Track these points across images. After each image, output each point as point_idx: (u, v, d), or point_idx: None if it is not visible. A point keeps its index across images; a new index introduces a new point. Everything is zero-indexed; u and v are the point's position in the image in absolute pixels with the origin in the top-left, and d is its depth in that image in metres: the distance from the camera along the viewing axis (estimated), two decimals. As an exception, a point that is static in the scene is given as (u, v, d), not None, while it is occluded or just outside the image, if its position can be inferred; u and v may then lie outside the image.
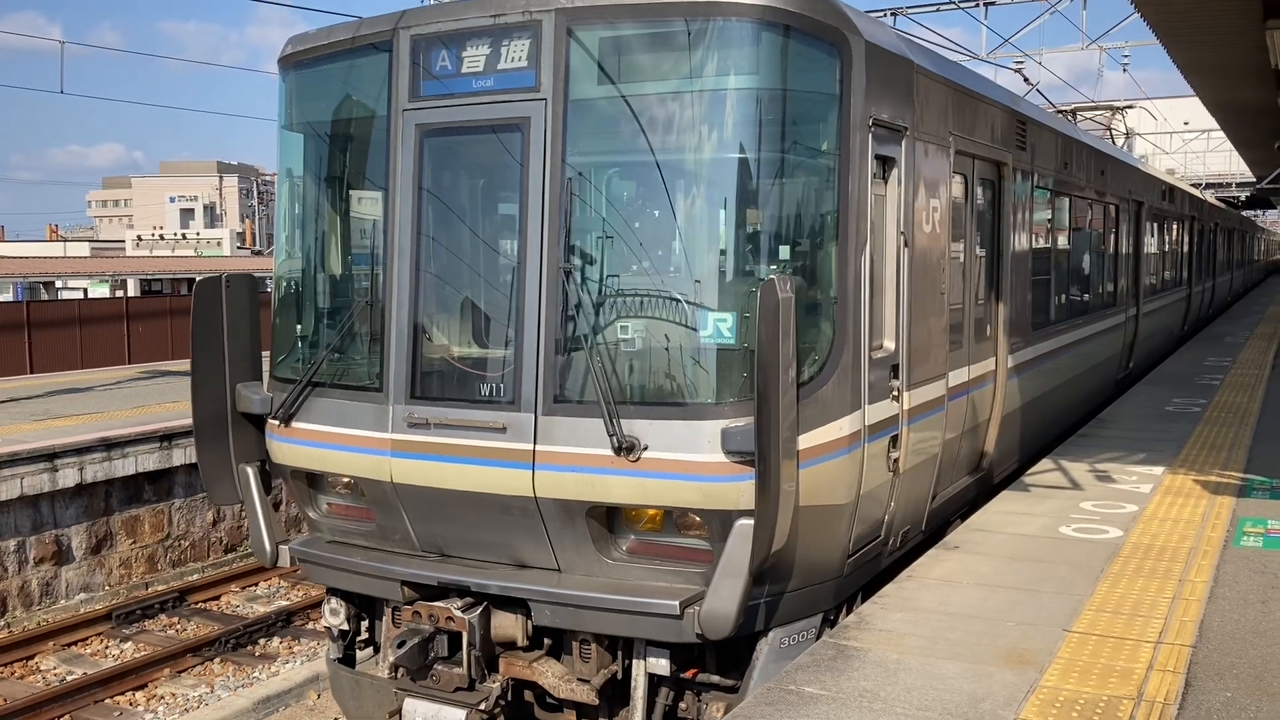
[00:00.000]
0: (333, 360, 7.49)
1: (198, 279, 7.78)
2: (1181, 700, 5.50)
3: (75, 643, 12.33)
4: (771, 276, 6.10)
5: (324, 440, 7.34)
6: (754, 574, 6.20)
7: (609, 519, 6.72)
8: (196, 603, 13.68)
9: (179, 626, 12.99)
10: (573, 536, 6.70)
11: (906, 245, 7.61)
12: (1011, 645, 6.25)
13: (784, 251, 6.76)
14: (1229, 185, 49.96)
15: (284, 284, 8.05)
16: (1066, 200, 13.20)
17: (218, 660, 11.85)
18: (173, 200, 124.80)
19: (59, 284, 50.07)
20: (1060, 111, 20.48)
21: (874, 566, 7.78)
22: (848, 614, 7.21)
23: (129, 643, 12.39)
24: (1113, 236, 16.31)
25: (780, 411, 5.94)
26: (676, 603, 6.36)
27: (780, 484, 6.00)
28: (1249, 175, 43.72)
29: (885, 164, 7.40)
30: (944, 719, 5.30)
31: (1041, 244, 11.85)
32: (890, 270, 7.47)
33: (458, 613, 6.87)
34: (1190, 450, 11.77)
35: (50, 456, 13.19)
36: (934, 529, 8.90)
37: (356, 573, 7.39)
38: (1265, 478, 10.37)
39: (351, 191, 7.74)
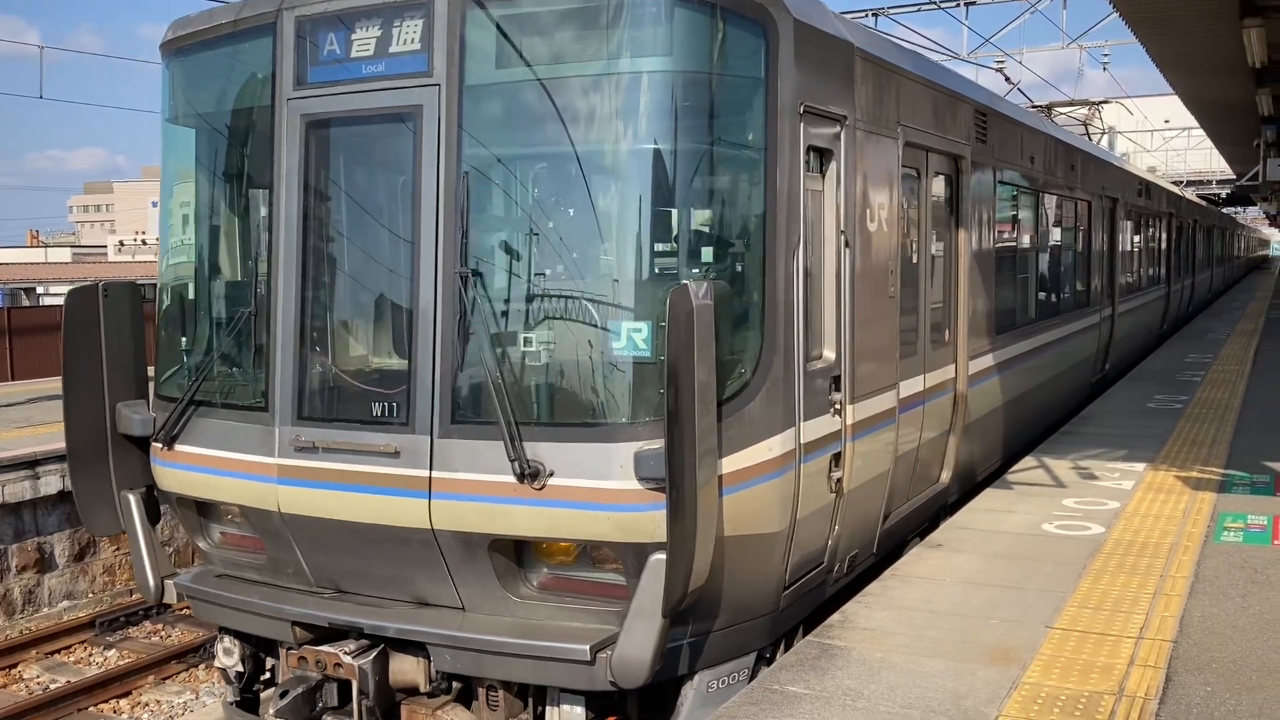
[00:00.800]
0: (217, 376, 6.91)
1: (70, 287, 7.21)
2: (1162, 695, 5.53)
3: (58, 651, 12.24)
4: (685, 281, 5.54)
5: (208, 465, 6.76)
6: (670, 614, 5.61)
7: (517, 552, 6.16)
8: (180, 609, 13.61)
9: (163, 633, 12.92)
10: (475, 572, 6.14)
11: (848, 245, 7.05)
12: (994, 642, 6.27)
13: (705, 253, 6.24)
14: (1209, 183, 50.25)
15: (167, 293, 7.40)
16: (1033, 197, 12.76)
17: (202, 666, 11.78)
18: (155, 205, 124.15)
19: (40, 290, 49.91)
20: (1036, 108, 20.42)
21: (817, 596, 7.24)
22: (786, 650, 6.75)
23: (113, 650, 12.31)
24: (1085, 234, 15.89)
25: (696, 432, 5.39)
26: (587, 647, 5.79)
27: (696, 514, 5.42)
28: (1229, 173, 43.97)
29: (822, 156, 6.86)
30: (927, 717, 5.32)
31: (1005, 243, 11.40)
32: (830, 272, 6.92)
33: (346, 658, 6.22)
34: (1172, 447, 11.83)
35: (32, 464, 13.08)
36: (888, 551, 8.40)
37: (245, 611, 6.77)
38: (1246, 473, 10.43)
39: (235, 190, 7.13)
